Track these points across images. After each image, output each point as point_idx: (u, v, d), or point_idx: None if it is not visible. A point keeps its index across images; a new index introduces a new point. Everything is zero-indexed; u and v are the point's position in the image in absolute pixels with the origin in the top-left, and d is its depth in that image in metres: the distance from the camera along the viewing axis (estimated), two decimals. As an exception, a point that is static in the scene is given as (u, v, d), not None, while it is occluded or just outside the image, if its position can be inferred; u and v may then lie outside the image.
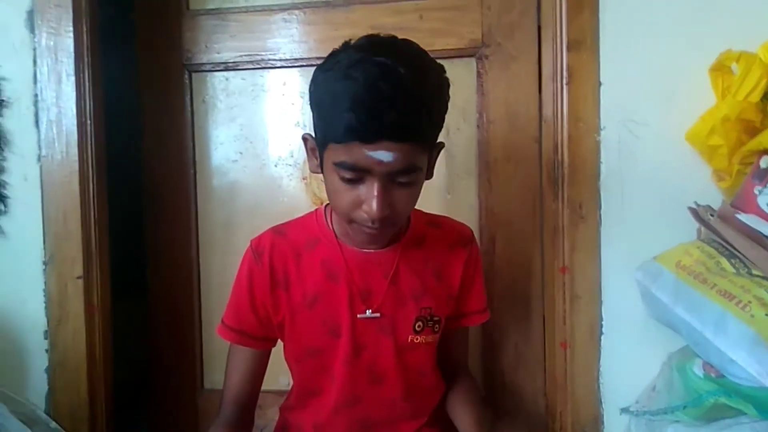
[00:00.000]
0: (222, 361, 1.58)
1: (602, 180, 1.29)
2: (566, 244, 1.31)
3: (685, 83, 1.24)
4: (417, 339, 1.05)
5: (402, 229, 1.07)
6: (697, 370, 1.10)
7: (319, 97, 0.91)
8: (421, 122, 0.85)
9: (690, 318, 1.08)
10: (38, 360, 1.41)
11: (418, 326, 1.05)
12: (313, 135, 0.95)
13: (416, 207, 1.04)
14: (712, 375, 1.06)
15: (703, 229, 1.21)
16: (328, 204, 1.07)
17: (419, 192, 0.95)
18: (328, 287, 1.03)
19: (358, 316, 1.02)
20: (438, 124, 0.93)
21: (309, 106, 0.95)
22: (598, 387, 1.32)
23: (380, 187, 0.86)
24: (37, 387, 1.41)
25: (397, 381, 1.06)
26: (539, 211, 1.45)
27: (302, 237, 1.06)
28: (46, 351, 1.40)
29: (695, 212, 1.20)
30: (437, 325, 1.07)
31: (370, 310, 1.03)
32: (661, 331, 1.24)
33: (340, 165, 0.87)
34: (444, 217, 1.18)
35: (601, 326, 1.31)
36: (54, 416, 1.40)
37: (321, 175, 0.96)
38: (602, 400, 1.32)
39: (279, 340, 1.13)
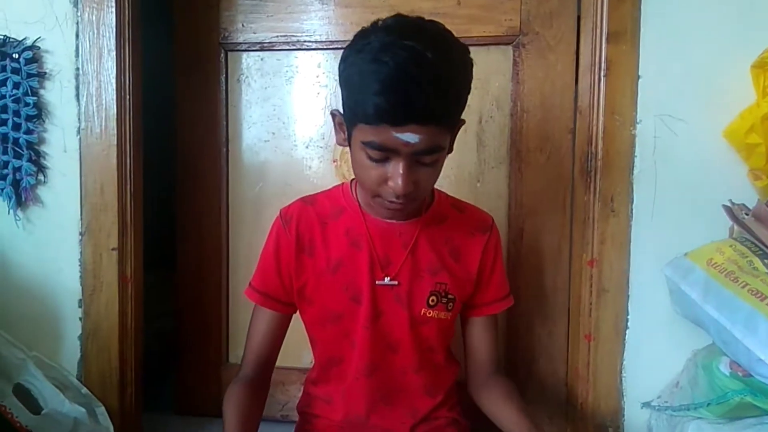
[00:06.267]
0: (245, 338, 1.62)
1: (635, 174, 1.28)
2: (595, 237, 1.31)
3: (726, 79, 1.23)
4: (430, 313, 1.09)
5: (425, 204, 1.12)
6: (724, 368, 1.10)
7: (349, 77, 0.93)
8: (446, 105, 0.90)
9: (719, 316, 1.07)
10: (72, 328, 1.45)
11: (432, 300, 1.09)
12: (341, 111, 0.99)
13: (446, 192, 1.16)
14: (739, 374, 1.06)
15: (735, 227, 1.20)
16: (353, 179, 1.12)
17: (441, 168, 0.99)
18: (351, 254, 1.08)
19: (377, 282, 1.07)
20: (462, 105, 0.97)
21: (338, 83, 0.98)
22: (621, 380, 1.32)
23: (405, 166, 0.91)
24: (71, 354, 1.45)
25: (410, 352, 1.10)
26: (569, 203, 1.45)
27: (329, 207, 1.12)
28: (80, 319, 1.44)
29: (729, 210, 1.19)
30: (451, 303, 1.10)
31: (389, 278, 1.08)
32: (686, 328, 1.24)
33: (368, 144, 0.91)
34: (468, 203, 1.19)
35: (627, 320, 1.31)
36: (85, 382, 1.44)
37: (350, 157, 1.00)
38: (624, 394, 1.33)
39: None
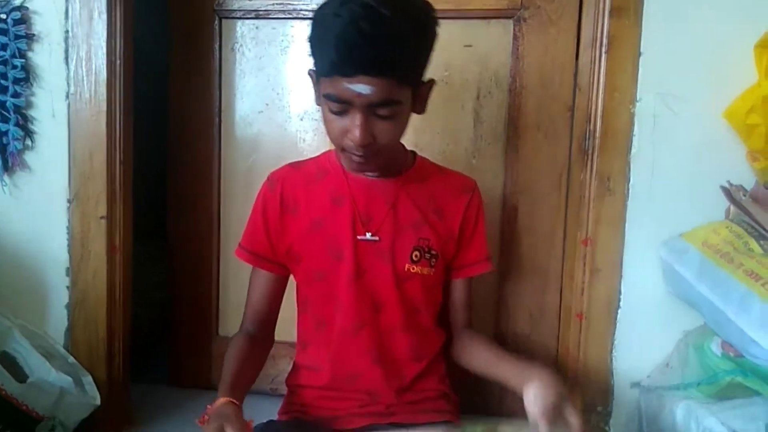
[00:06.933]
0: (237, 311, 1.61)
1: (633, 153, 1.27)
2: (591, 216, 1.30)
3: (728, 59, 1.21)
4: (413, 269, 1.11)
5: (406, 164, 1.15)
6: (715, 348, 1.10)
7: (313, 33, 0.99)
8: (397, 59, 0.93)
9: (713, 296, 1.07)
10: (59, 296, 1.43)
11: (415, 256, 1.11)
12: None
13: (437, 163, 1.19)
14: (731, 354, 1.06)
15: (732, 209, 1.20)
16: None
17: (403, 124, 1.02)
18: (333, 211, 1.11)
19: (358, 237, 1.10)
20: (418, 62, 1.00)
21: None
22: (611, 360, 1.32)
23: (362, 118, 0.95)
24: (57, 323, 1.44)
25: (396, 311, 1.12)
26: (566, 181, 1.44)
27: (314, 169, 1.16)
28: (68, 288, 1.42)
29: (727, 191, 1.18)
30: (434, 260, 1.12)
31: (370, 233, 1.10)
32: (678, 309, 1.25)
33: (327, 97, 0.96)
34: (451, 169, 1.22)
35: (619, 300, 1.31)
36: (72, 352, 1.43)
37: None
38: (614, 373, 1.33)
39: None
